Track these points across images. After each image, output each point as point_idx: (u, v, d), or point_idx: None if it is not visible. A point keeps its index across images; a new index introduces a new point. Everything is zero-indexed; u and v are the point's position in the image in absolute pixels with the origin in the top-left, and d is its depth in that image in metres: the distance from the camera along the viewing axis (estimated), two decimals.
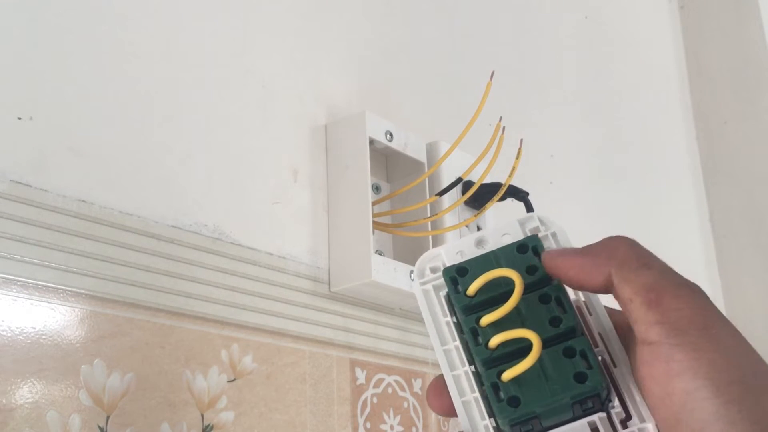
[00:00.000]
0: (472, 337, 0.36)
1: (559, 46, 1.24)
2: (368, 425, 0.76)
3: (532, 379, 0.34)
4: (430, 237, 0.81)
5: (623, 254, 0.34)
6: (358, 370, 0.76)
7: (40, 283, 0.55)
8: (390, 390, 0.79)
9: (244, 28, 0.76)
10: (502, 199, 0.83)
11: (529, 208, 0.85)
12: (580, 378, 0.34)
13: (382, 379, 0.78)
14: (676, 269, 0.34)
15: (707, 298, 0.33)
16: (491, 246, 0.38)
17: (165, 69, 0.68)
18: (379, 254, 0.78)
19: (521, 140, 0.82)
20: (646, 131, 1.40)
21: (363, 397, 0.76)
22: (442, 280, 0.38)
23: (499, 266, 0.37)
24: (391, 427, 0.78)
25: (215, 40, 0.73)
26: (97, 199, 0.60)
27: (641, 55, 1.47)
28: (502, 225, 0.39)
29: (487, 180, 0.82)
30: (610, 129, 1.30)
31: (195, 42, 0.71)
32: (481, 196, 0.83)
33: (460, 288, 0.37)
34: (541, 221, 0.39)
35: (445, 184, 0.82)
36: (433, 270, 0.39)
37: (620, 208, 1.27)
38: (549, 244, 0.38)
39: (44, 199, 0.57)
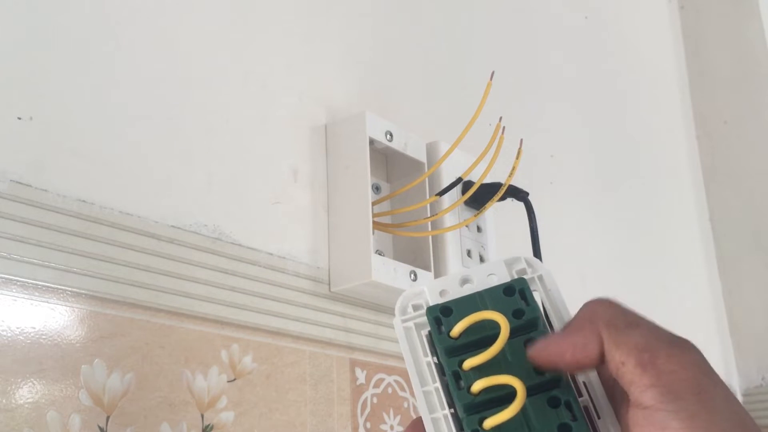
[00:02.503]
0: (453, 381, 0.35)
1: (559, 46, 1.24)
2: (368, 425, 0.76)
3: (514, 428, 0.33)
4: (430, 237, 0.81)
5: (606, 315, 0.33)
6: (358, 370, 0.76)
7: (40, 283, 0.55)
8: (390, 390, 0.79)
9: (244, 28, 0.76)
10: (502, 199, 0.83)
11: (529, 208, 0.85)
12: (565, 430, 0.33)
13: (382, 379, 0.78)
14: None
15: (700, 354, 0.33)
16: (476, 285, 0.38)
17: (165, 69, 0.68)
18: (379, 254, 0.78)
19: (521, 140, 0.82)
20: (646, 131, 1.40)
21: (363, 397, 0.76)
22: (424, 318, 0.37)
23: (485, 308, 0.36)
24: (391, 427, 0.78)
25: (215, 41, 0.73)
26: (97, 199, 0.60)
27: (641, 55, 1.47)
28: (488, 265, 0.38)
29: (487, 180, 0.82)
30: (610, 129, 1.30)
31: (195, 42, 0.71)
32: (481, 196, 0.83)
33: (443, 329, 0.36)
34: (528, 263, 0.38)
35: (445, 184, 0.82)
36: (416, 307, 0.38)
37: (620, 208, 1.27)
38: (536, 287, 0.37)
39: (44, 199, 0.57)
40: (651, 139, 1.41)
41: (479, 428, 0.34)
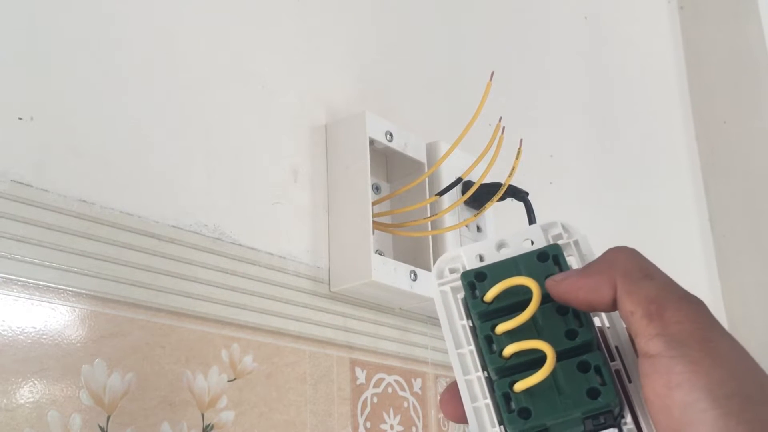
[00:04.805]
0: (486, 345, 0.36)
1: (559, 46, 1.24)
2: (368, 425, 0.76)
3: (544, 391, 0.34)
4: (430, 237, 0.81)
5: (625, 264, 0.34)
6: (358, 370, 0.76)
7: (40, 283, 0.55)
8: (390, 390, 0.79)
9: (244, 28, 0.76)
10: (502, 199, 0.83)
11: (529, 208, 0.85)
12: (593, 394, 0.34)
13: (382, 379, 0.78)
14: (676, 269, 0.34)
15: (708, 311, 0.33)
16: (512, 250, 0.38)
17: (165, 69, 0.68)
18: (379, 254, 0.78)
19: (521, 140, 0.82)
20: (646, 131, 1.40)
21: (363, 397, 0.76)
22: (460, 282, 0.38)
23: (518, 274, 0.36)
24: (391, 427, 0.78)
25: (215, 41, 0.73)
26: (98, 199, 0.60)
27: (641, 55, 1.47)
28: (525, 230, 0.39)
29: (487, 180, 0.82)
30: (609, 129, 1.31)
31: (195, 42, 0.71)
32: (481, 196, 0.83)
33: (477, 293, 0.37)
34: (564, 228, 0.39)
35: (445, 184, 0.82)
36: (452, 271, 0.39)
37: (620, 208, 1.27)
38: (570, 252, 0.38)
39: (45, 199, 0.57)
40: (651, 139, 1.41)
41: (510, 391, 0.34)
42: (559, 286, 0.35)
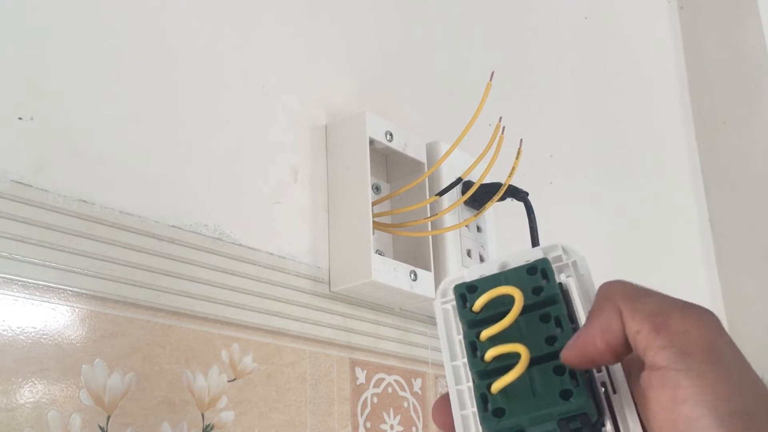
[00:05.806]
0: (470, 350, 0.37)
1: (559, 46, 1.24)
2: (368, 425, 0.76)
3: (520, 393, 0.35)
4: (430, 237, 0.81)
5: (623, 290, 0.34)
6: (358, 370, 0.76)
7: (40, 283, 0.56)
8: (390, 390, 0.79)
9: (245, 28, 0.76)
10: (502, 199, 0.83)
11: (529, 208, 0.85)
12: (566, 395, 0.35)
13: (382, 379, 0.78)
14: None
15: (714, 317, 0.33)
16: None
17: (165, 69, 0.68)
18: (379, 254, 0.78)
19: (521, 140, 0.82)
20: (646, 131, 1.40)
21: (363, 397, 0.76)
22: None
23: (507, 285, 0.38)
24: (391, 427, 0.78)
25: (215, 41, 0.73)
26: (98, 199, 0.60)
27: (641, 55, 1.47)
28: (526, 251, 0.40)
29: (487, 180, 0.82)
30: (609, 129, 1.31)
31: (195, 42, 0.71)
32: (480, 196, 0.83)
33: (468, 304, 0.38)
34: (564, 250, 0.40)
35: (445, 184, 0.82)
36: None
37: (620, 208, 1.27)
38: (569, 272, 0.39)
39: (45, 199, 0.57)
40: (651, 140, 1.41)
41: (487, 392, 0.36)
42: (574, 346, 0.35)
